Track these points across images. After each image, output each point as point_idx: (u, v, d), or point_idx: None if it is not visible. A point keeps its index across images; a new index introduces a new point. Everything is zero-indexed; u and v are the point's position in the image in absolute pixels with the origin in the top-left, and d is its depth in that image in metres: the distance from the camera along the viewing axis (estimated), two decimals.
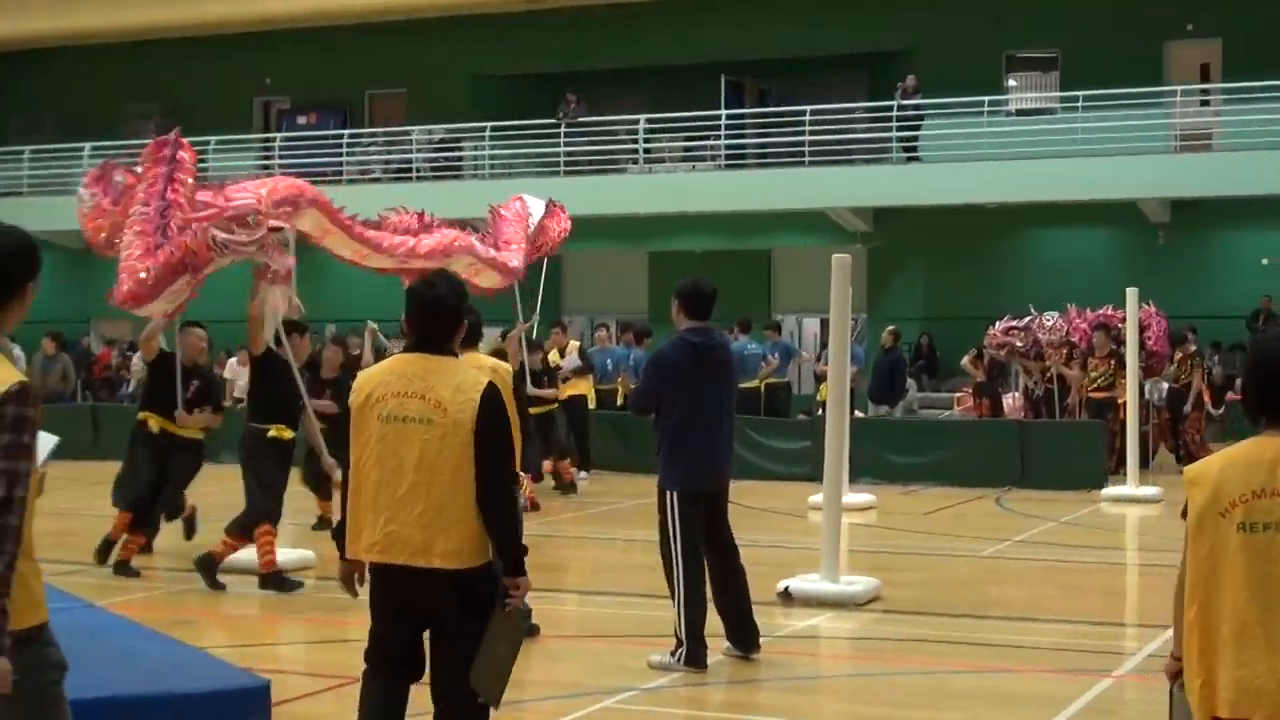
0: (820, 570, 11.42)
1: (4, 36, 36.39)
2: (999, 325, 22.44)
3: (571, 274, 32.27)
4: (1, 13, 35.51)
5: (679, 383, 8.86)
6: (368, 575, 5.90)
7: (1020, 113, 30.89)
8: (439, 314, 5.84)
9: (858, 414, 21.87)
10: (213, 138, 32.37)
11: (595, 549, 14.91)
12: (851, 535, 14.94)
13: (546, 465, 18.55)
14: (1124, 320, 20.41)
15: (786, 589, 11.26)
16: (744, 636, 9.13)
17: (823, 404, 20.54)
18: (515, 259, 15.27)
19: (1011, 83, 31.59)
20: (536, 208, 16.46)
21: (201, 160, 32.62)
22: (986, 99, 28.61)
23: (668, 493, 8.89)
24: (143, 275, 11.23)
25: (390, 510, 5.68)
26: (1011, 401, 23.56)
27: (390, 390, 5.75)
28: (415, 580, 5.66)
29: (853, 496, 16.91)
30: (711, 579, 9.01)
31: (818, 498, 14.95)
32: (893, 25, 31.27)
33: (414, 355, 5.83)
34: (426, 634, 5.81)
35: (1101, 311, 21.86)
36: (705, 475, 8.95)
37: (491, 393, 5.71)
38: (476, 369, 6.16)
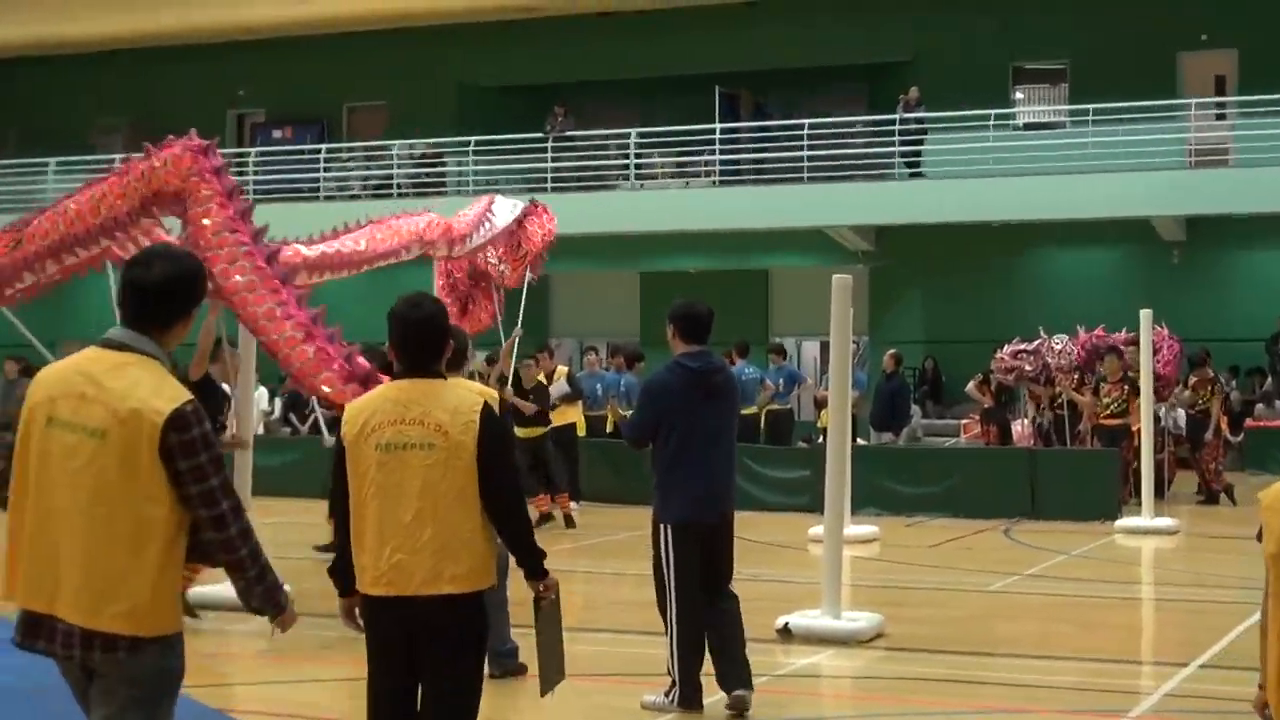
0: (821, 606, 11.35)
1: None
2: (1007, 348, 22.40)
3: (560, 295, 32.26)
4: None
5: (675, 411, 8.78)
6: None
7: (1028, 126, 30.93)
8: (427, 335, 5.94)
9: (859, 442, 21.84)
10: None
11: (585, 583, 14.83)
12: (854, 569, 14.87)
13: (542, 501, 18.47)
14: (1130, 343, 20.43)
15: (786, 625, 11.20)
16: (730, 676, 8.98)
17: (823, 431, 20.50)
18: (464, 227, 15.15)
19: (1019, 95, 31.65)
20: (504, 209, 16.27)
21: None
22: (993, 112, 28.61)
23: (662, 526, 8.82)
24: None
25: (396, 540, 5.76)
26: (1020, 428, 23.52)
27: (386, 419, 5.82)
28: (422, 609, 5.75)
29: (855, 528, 16.85)
30: (705, 616, 8.92)
31: (818, 529, 14.88)
32: (894, 35, 31.31)
33: (405, 381, 5.91)
34: None
35: (1095, 333, 21.86)
36: (702, 508, 8.83)
37: (490, 412, 5.86)
38: (468, 390, 6.24)
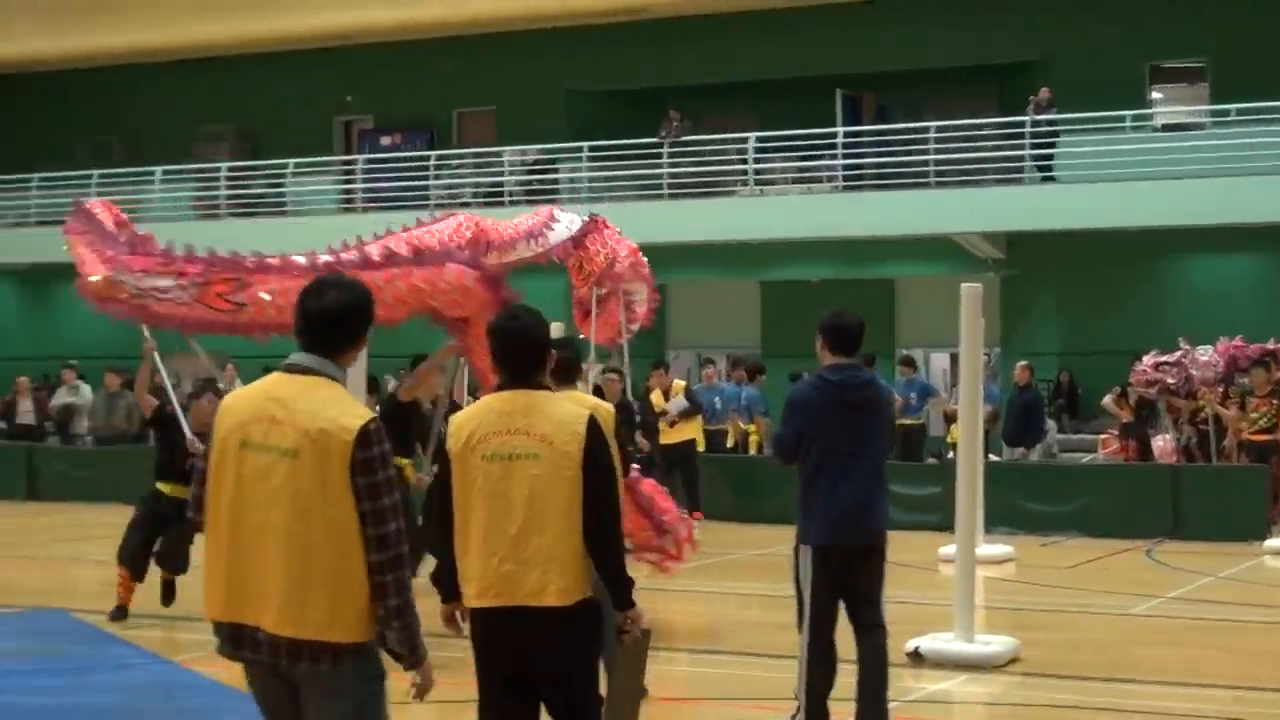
0: (953, 629, 11.31)
1: (69, 55, 37.07)
2: (1147, 360, 22.16)
3: (676, 305, 32.29)
4: (66, 30, 36.13)
5: (815, 425, 8.65)
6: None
7: (1166, 128, 30.58)
8: (526, 346, 6.17)
9: (991, 458, 21.72)
10: (290, 161, 32.75)
11: (707, 604, 14.86)
12: (987, 590, 14.81)
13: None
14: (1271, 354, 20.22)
15: (917, 649, 11.17)
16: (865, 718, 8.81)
17: (953, 447, 20.40)
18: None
19: (1156, 95, 31.30)
20: (563, 225, 15.30)
21: (279, 185, 33.42)
22: (1129, 113, 28.34)
23: (801, 548, 8.70)
24: None
25: (504, 550, 5.97)
26: (1162, 444, 23.26)
27: (492, 429, 6.04)
28: (530, 620, 5.94)
29: (987, 548, 16.78)
30: (857, 647, 8.76)
31: (949, 549, 14.82)
32: (1025, 33, 31.08)
33: (509, 393, 6.12)
34: None
35: (1233, 343, 21.57)
36: (844, 530, 8.62)
37: (595, 424, 6.05)
38: (575, 403, 6.43)
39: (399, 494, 5.28)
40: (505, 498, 5.97)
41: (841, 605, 8.77)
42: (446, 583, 6.19)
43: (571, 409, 6.11)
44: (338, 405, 5.23)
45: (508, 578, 5.94)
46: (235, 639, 5.24)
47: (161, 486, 13.37)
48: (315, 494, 5.13)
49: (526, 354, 6.15)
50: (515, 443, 6.00)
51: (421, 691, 5.36)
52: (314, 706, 5.20)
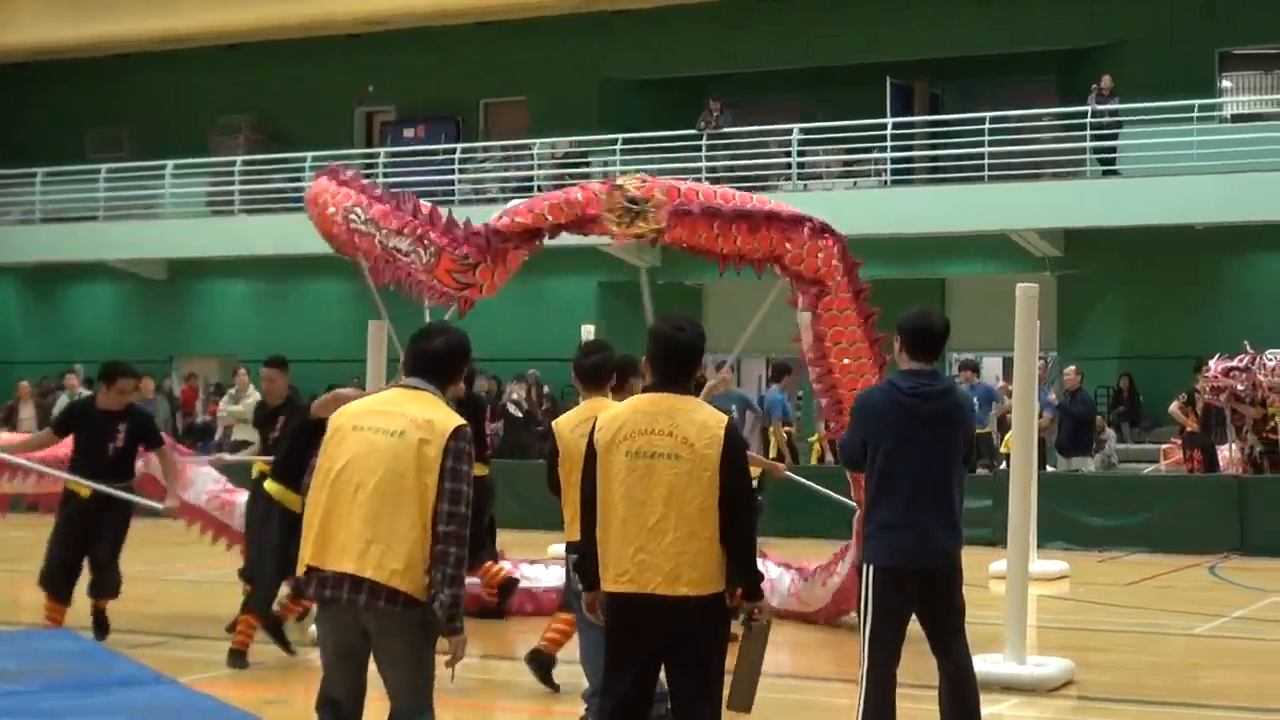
0: (1004, 649, 11.31)
1: (75, 43, 37.16)
2: (1215, 365, 22.09)
3: (714, 307, 32.29)
4: (71, 16, 36.34)
5: (881, 435, 8.33)
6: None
7: (1236, 119, 30.50)
8: (684, 354, 7.12)
9: (1046, 469, 21.67)
10: (309, 154, 32.85)
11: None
12: (1040, 609, 14.80)
13: None
14: None
15: None
16: None
17: (1006, 457, 20.38)
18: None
19: (1226, 84, 31.21)
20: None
21: (297, 180, 33.55)
22: (1196, 103, 28.25)
23: (865, 566, 8.42)
24: None
25: (640, 540, 6.85)
26: (1229, 454, 23.20)
27: (637, 428, 6.95)
28: (662, 608, 6.81)
29: (1041, 564, 16.76)
30: (940, 675, 8.52)
31: (1001, 565, 14.79)
32: (1086, 18, 31.02)
33: (657, 395, 7.05)
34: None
35: None
36: (910, 552, 8.26)
37: (733, 429, 6.94)
38: (713, 408, 7.20)
39: (472, 488, 6.71)
40: (645, 493, 6.84)
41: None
42: (590, 572, 7.04)
43: (713, 414, 6.98)
44: (441, 410, 6.83)
45: (642, 567, 6.81)
46: (321, 582, 6.66)
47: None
48: (411, 465, 6.63)
49: (683, 362, 7.11)
50: (658, 443, 6.88)
51: (452, 660, 6.64)
52: (383, 643, 6.63)
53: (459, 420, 6.77)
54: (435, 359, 6.99)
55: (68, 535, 12.70)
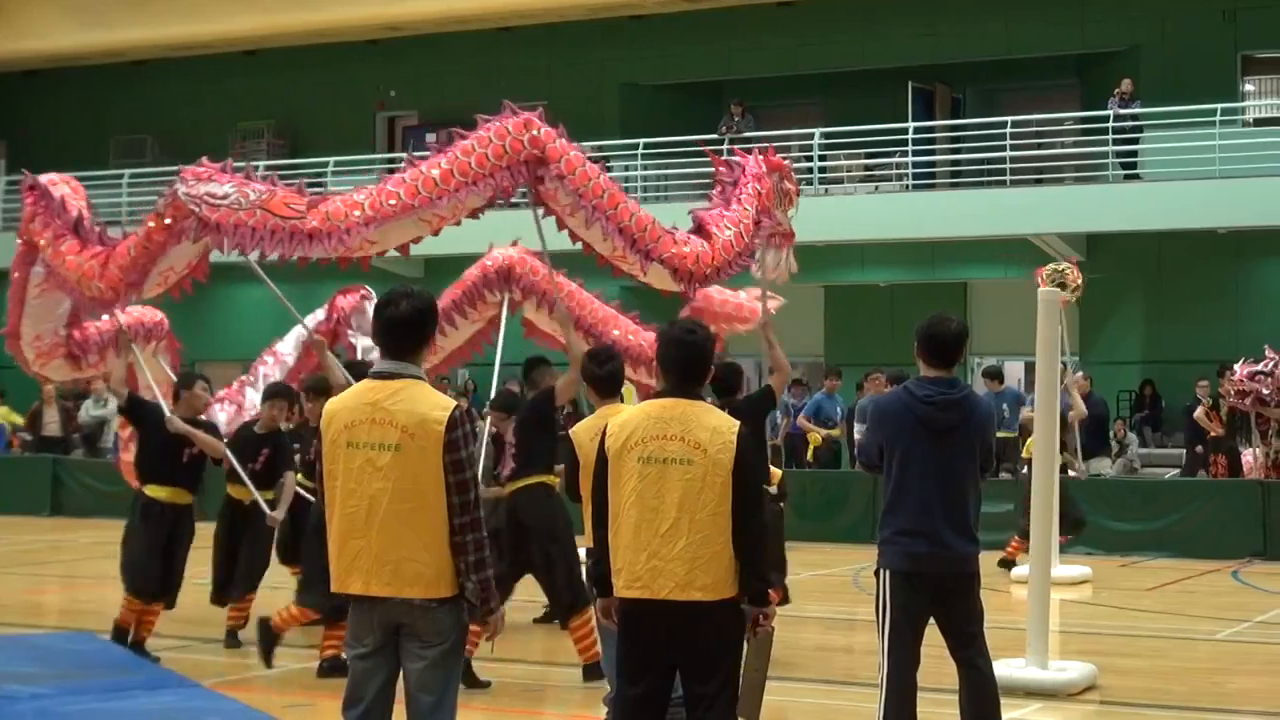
0: (1026, 654, 11.30)
1: (98, 49, 37.27)
2: (1240, 369, 22.03)
3: None
4: (95, 23, 36.38)
5: (895, 441, 8.35)
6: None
7: (1259, 123, 30.43)
8: (696, 360, 7.02)
9: (1069, 473, 21.62)
10: (330, 159, 32.90)
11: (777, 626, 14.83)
12: (1062, 613, 14.79)
13: None
14: None
15: None
16: None
17: (1027, 462, 20.35)
18: None
19: (1249, 88, 31.14)
20: None
21: (318, 185, 33.59)
22: (1219, 106, 28.17)
23: (880, 571, 8.43)
24: None
25: (652, 546, 6.81)
26: (1252, 459, 23.13)
27: (649, 434, 6.88)
28: (674, 614, 6.79)
29: (1063, 569, 16.74)
30: (960, 680, 8.53)
31: (1023, 570, 14.80)
32: (1108, 22, 30.97)
33: (669, 400, 6.98)
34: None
35: None
36: (924, 557, 8.27)
37: (745, 435, 6.88)
38: (726, 414, 7.12)
39: (476, 471, 6.62)
40: (658, 499, 6.81)
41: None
42: (602, 579, 7.04)
43: (725, 420, 6.90)
44: (426, 400, 6.59)
45: (655, 573, 6.78)
46: (359, 604, 6.62)
47: (153, 491, 12.81)
48: (416, 478, 6.50)
49: (695, 367, 7.03)
50: (670, 448, 6.82)
51: (492, 635, 6.97)
52: (412, 647, 6.57)
53: (448, 407, 6.58)
54: (406, 326, 6.70)
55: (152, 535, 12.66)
